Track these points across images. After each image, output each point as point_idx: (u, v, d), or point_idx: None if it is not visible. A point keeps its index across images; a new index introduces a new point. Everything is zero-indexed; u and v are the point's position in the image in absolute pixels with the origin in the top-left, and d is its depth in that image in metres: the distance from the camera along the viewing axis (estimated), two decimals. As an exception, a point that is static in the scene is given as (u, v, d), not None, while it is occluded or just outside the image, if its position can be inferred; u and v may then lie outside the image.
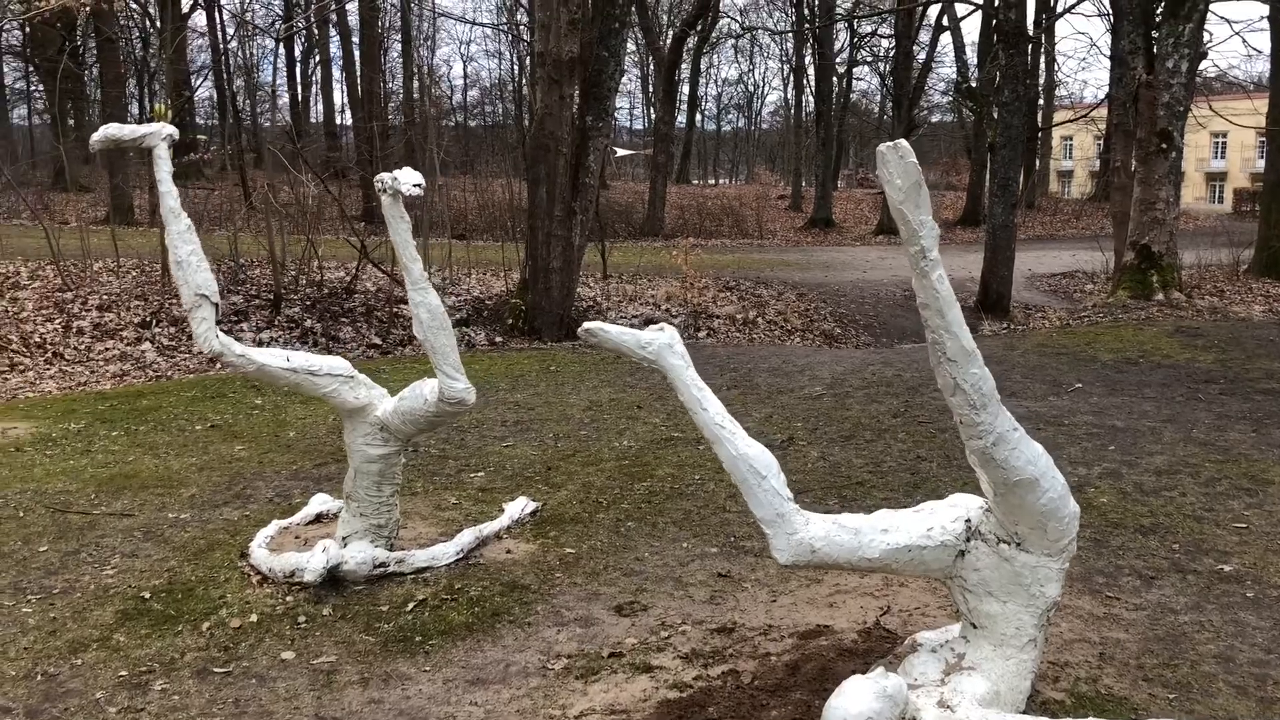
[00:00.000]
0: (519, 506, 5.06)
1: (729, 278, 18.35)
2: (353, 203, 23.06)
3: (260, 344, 11.39)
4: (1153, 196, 13.71)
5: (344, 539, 4.39)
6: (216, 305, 3.97)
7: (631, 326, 12.59)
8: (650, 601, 4.06)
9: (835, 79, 40.08)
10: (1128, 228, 14.45)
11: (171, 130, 3.94)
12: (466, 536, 4.58)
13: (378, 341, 11.92)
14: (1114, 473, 5.62)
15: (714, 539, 4.76)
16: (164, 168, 3.91)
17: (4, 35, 41.67)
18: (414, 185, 3.66)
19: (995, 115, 18.46)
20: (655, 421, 6.98)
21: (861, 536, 3.22)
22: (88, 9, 23.74)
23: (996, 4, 18.84)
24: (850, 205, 42.47)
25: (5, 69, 43.08)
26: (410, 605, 4.02)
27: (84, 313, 11.50)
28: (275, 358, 4.10)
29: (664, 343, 3.36)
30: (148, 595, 4.15)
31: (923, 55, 40.25)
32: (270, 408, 7.59)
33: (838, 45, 42.84)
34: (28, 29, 35.96)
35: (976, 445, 2.89)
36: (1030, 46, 16.64)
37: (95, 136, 3.86)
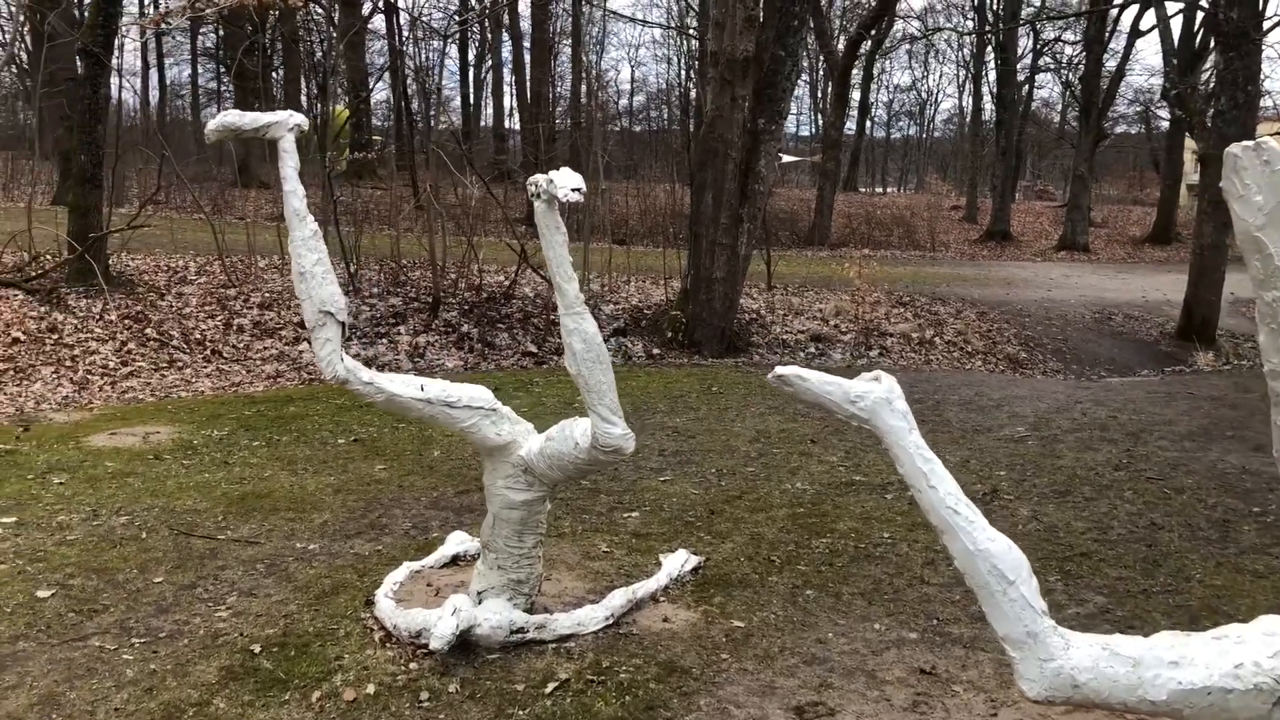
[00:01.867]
0: (678, 561, 4.39)
1: (902, 292, 17.29)
2: (516, 205, 22.95)
3: (416, 348, 11.11)
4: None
5: (479, 594, 3.80)
6: (343, 325, 3.43)
7: (798, 343, 11.75)
8: (839, 703, 3.31)
9: (1016, 86, 38.12)
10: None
11: (300, 120, 3.42)
12: (618, 599, 3.93)
13: (533, 349, 11.48)
14: None
15: (912, 619, 3.97)
16: (289, 163, 3.39)
17: (199, 37, 43.79)
18: (572, 189, 3.03)
19: (1209, 124, 16.81)
20: (832, 460, 6.19)
21: (1142, 670, 2.40)
22: (275, 11, 24.41)
23: (1213, 2, 17.16)
24: (1029, 218, 40.30)
25: (200, 69, 45.28)
26: (550, 686, 3.39)
27: (245, 310, 11.46)
28: (408, 386, 3.54)
29: (880, 397, 2.61)
30: (258, 649, 3.64)
31: (1112, 62, 37.85)
32: (416, 420, 7.14)
33: (1019, 50, 40.77)
34: (221, 31, 37.60)
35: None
36: (1249, 50, 14.98)
37: (211, 125, 3.38)
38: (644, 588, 4.08)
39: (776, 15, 12.04)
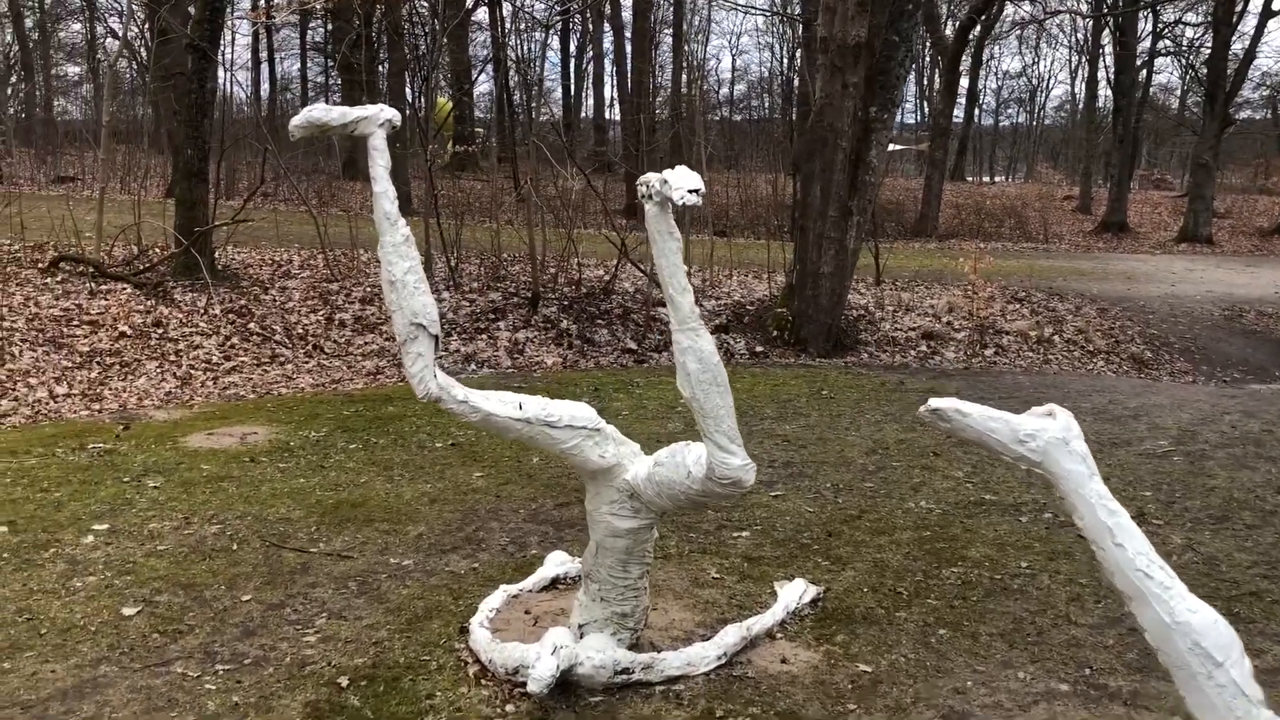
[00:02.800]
0: (796, 592, 4.02)
1: (1017, 287, 16.54)
2: (616, 197, 22.74)
3: (515, 344, 10.92)
4: None
5: (580, 628, 3.50)
6: (436, 338, 3.15)
7: (908, 341, 11.21)
8: (984, 771, 2.92)
9: (1135, 70, 36.46)
10: None
11: (392, 115, 3.15)
12: (731, 636, 3.60)
13: (633, 346, 11.19)
14: None
15: (1061, 668, 3.55)
16: (380, 161, 3.12)
17: (309, 32, 44.62)
18: (689, 191, 2.69)
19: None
20: (958, 475, 5.75)
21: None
22: (380, 5, 24.55)
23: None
24: (1146, 209, 38.58)
25: (309, 64, 46.15)
26: (658, 738, 3.07)
27: (347, 305, 11.42)
28: (505, 405, 3.24)
29: (1055, 437, 2.22)
30: (346, 682, 3.40)
31: (1239, 44, 35.90)
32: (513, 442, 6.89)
33: (1138, 33, 38.98)
34: (329, 26, 38.19)
35: None
36: None
37: (296, 121, 3.13)
38: (759, 623, 3.74)
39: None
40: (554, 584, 4.15)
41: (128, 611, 3.92)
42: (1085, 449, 2.24)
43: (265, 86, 45.20)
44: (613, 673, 3.32)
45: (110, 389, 8.46)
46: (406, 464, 5.93)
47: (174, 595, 4.08)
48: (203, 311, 10.57)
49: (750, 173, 27.26)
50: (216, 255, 12.69)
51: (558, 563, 4.24)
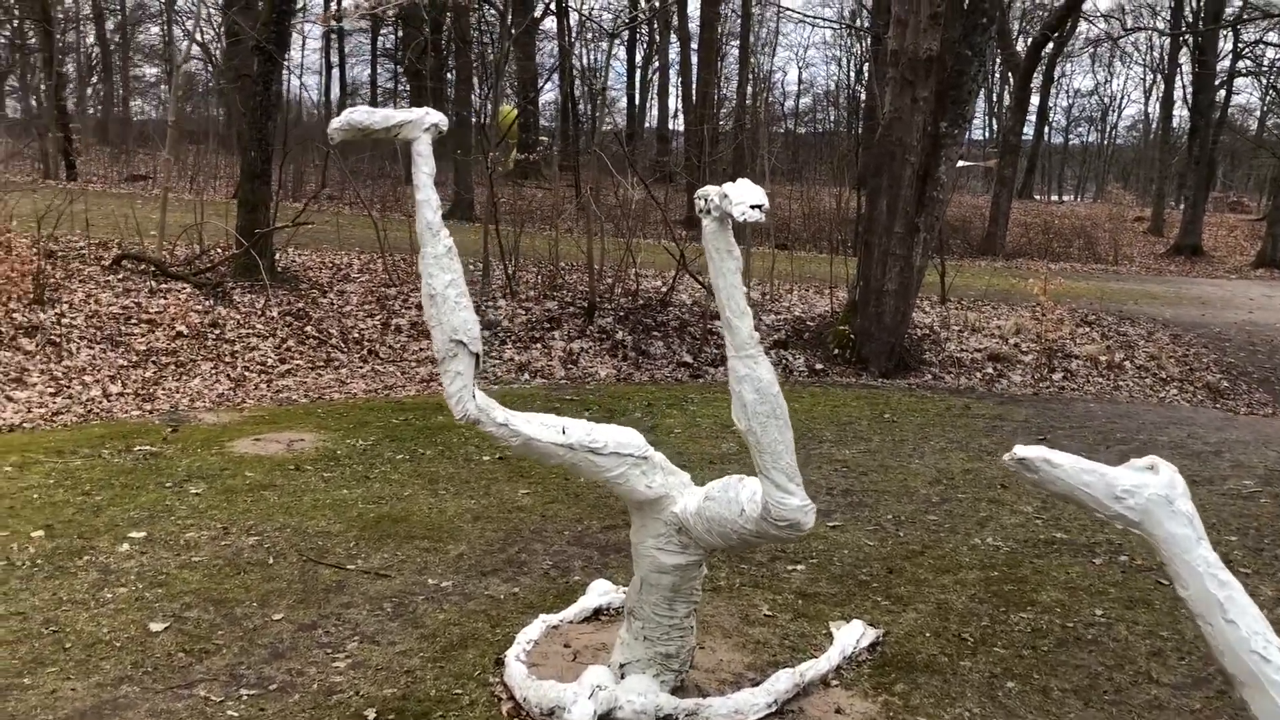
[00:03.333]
0: (853, 635, 3.78)
1: (1086, 309, 16.05)
2: (676, 208, 22.56)
3: (570, 354, 10.76)
4: None
5: (621, 667, 3.30)
6: (477, 356, 2.97)
7: (974, 363, 10.84)
8: None
9: (1213, 90, 35.49)
10: None
11: (438, 119, 2.97)
12: (783, 681, 3.36)
13: (688, 360, 10.97)
14: None
15: (1141, 733, 3.27)
16: (424, 169, 2.95)
17: (380, 38, 45.13)
18: (751, 206, 2.47)
19: None
20: (1026, 511, 5.44)
21: None
22: (449, 12, 24.65)
23: None
24: (1221, 232, 37.53)
25: (379, 69, 46.67)
26: (700, 794, 2.85)
27: (404, 310, 11.35)
28: (548, 430, 3.05)
29: (1157, 494, 1.97)
30: (373, 715, 3.23)
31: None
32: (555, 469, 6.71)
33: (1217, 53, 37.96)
34: (400, 32, 38.57)
35: None
36: None
37: (335, 124, 2.96)
38: (813, 668, 3.50)
39: (963, 12, 11.22)
40: (596, 615, 3.95)
41: (155, 627, 3.79)
42: (1192, 509, 1.98)
43: (335, 91, 45.80)
44: (654, 718, 3.11)
45: (164, 389, 8.44)
46: (452, 477, 5.77)
47: (204, 611, 3.95)
48: (260, 313, 10.56)
49: (814, 185, 26.94)
50: (277, 257, 12.72)
51: (600, 592, 4.04)
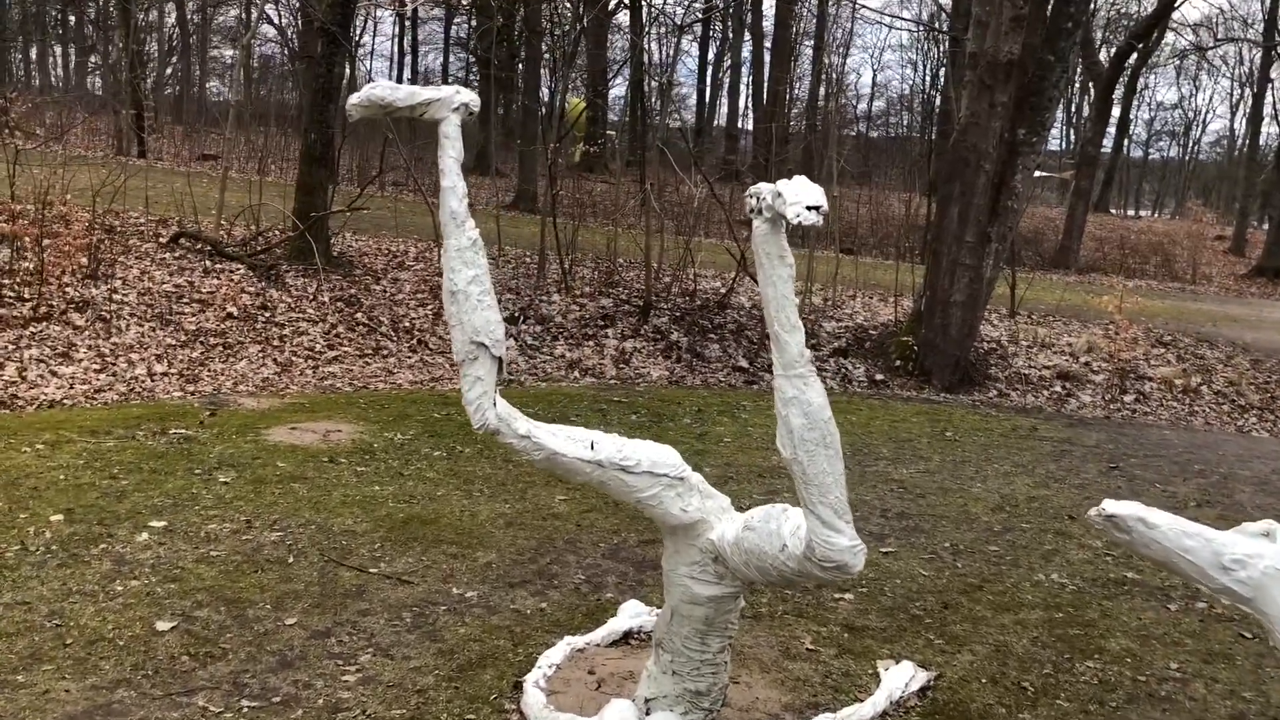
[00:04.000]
0: (903, 677, 3.47)
1: (1162, 329, 15.44)
2: (740, 208, 22.19)
3: (623, 353, 10.51)
4: None
5: (647, 702, 3.03)
6: (499, 361, 2.72)
7: (1041, 380, 10.39)
8: None
9: (1307, 106, 34.21)
10: None
11: (469, 98, 2.73)
12: (822, 729, 3.08)
13: (744, 365, 10.67)
14: None
15: (1222, 813, 2.93)
16: (450, 152, 2.70)
17: (453, 27, 45.31)
18: (808, 207, 2.19)
19: None
20: (1095, 545, 5.07)
21: None
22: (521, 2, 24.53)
23: None
24: (1305, 254, 36.22)
25: (451, 58, 46.87)
26: None
27: (455, 300, 11.17)
28: (574, 444, 2.79)
29: (1275, 567, 1.65)
30: (376, 738, 3.01)
31: None
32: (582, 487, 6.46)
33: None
34: (473, 21, 38.61)
35: None
36: None
37: (354, 99, 2.72)
38: (857, 714, 3.20)
39: (1047, 16, 10.76)
40: (626, 638, 3.69)
41: (162, 626, 3.61)
42: (1318, 588, 1.67)
43: (407, 77, 46.08)
44: (678, 763, 2.84)
45: (209, 370, 8.35)
46: (488, 479, 5.55)
47: (214, 611, 3.76)
48: (312, 298, 10.46)
49: (883, 190, 26.43)
50: (333, 242, 12.64)
51: (632, 614, 3.78)
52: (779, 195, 2.25)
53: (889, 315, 12.80)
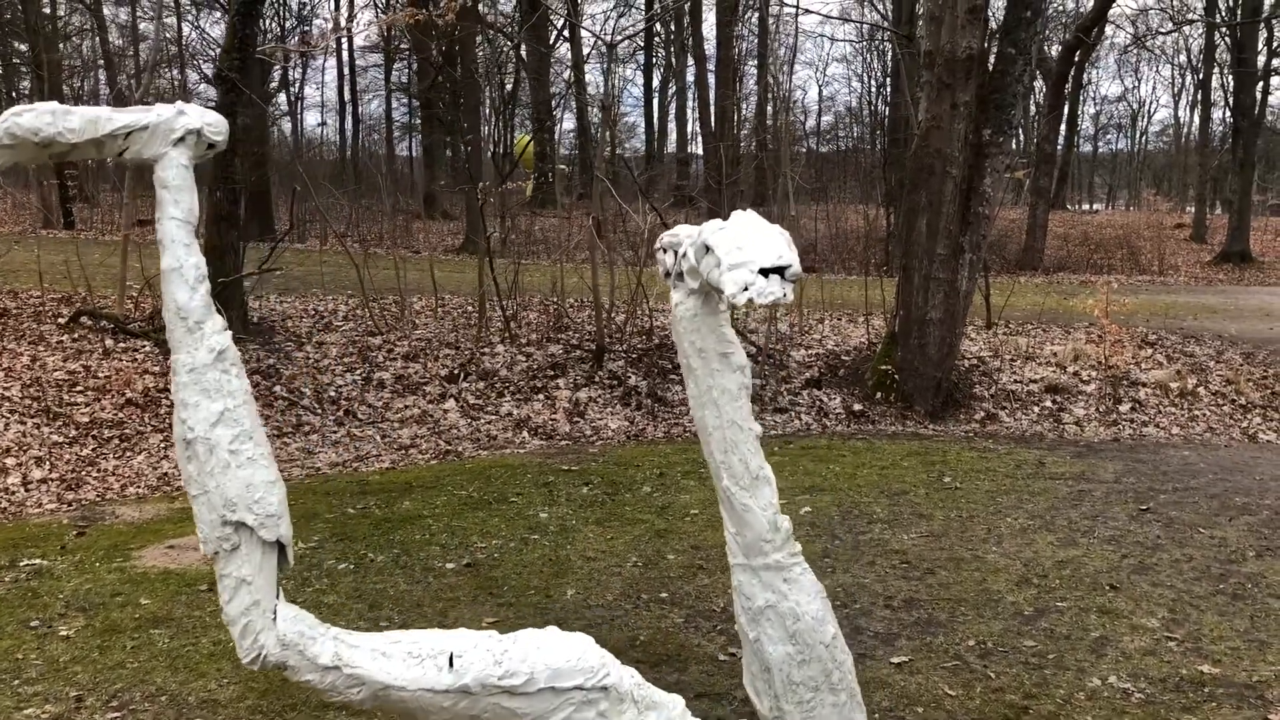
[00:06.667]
0: None
1: (1145, 328, 14.65)
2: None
3: (576, 405, 9.52)
4: None
5: None
6: (281, 549, 1.73)
7: (1030, 396, 9.38)
8: None
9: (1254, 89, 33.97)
10: None
11: (200, 121, 1.76)
12: None
13: (712, 408, 9.70)
14: None
15: None
16: (171, 210, 1.69)
17: (394, 73, 44.39)
18: (763, 270, 1.23)
19: None
20: (1152, 626, 4.11)
21: None
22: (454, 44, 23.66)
23: None
24: (1267, 236, 35.89)
25: (396, 104, 46.00)
26: None
27: (388, 362, 10.15)
28: (421, 665, 1.78)
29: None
30: None
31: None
32: (555, 530, 5.46)
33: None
34: (415, 66, 37.71)
35: None
36: None
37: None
38: None
39: (1004, 6, 10.00)
40: None
41: None
42: None
43: (349, 126, 45.17)
44: None
45: (98, 470, 7.27)
46: (401, 599, 4.52)
47: None
48: (225, 373, 9.39)
49: (840, 204, 25.73)
50: (255, 305, 11.59)
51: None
52: (706, 250, 1.29)
53: (861, 337, 11.90)
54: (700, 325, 1.41)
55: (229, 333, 1.75)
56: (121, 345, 9.76)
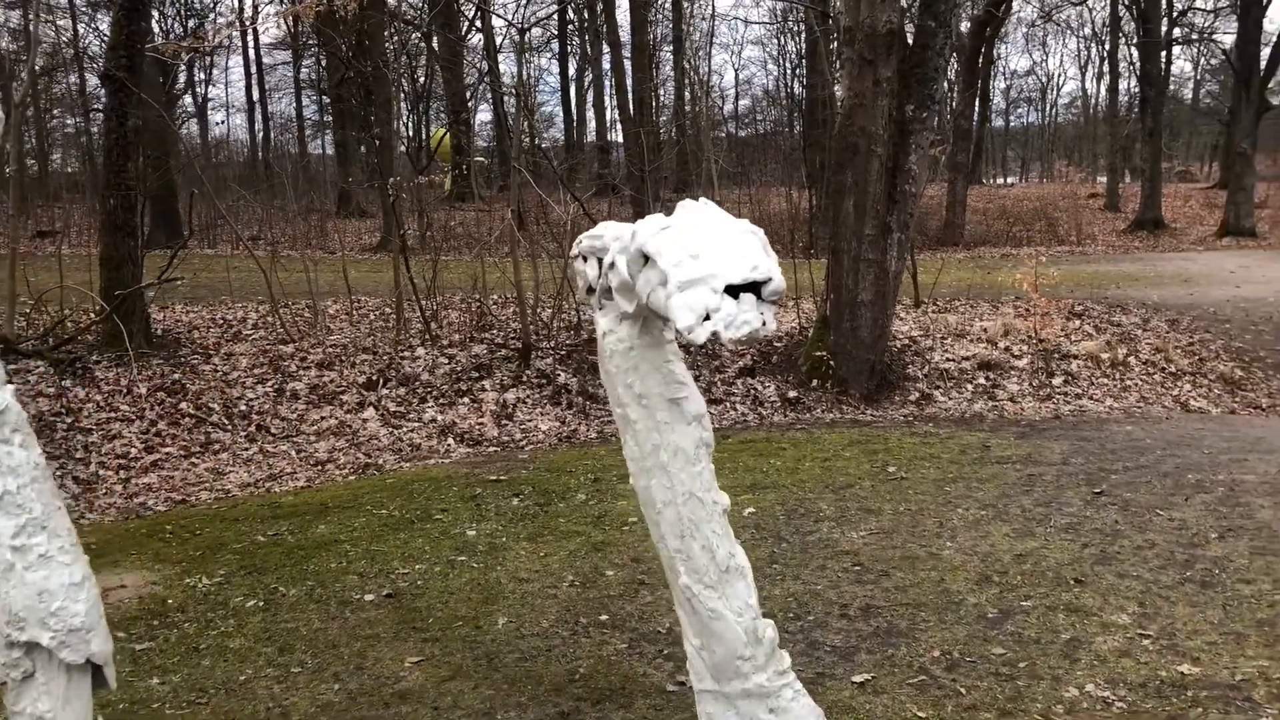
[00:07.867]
0: None
1: (1070, 299, 14.67)
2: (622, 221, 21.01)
3: (504, 407, 9.15)
4: None
5: None
6: (92, 669, 1.35)
7: (963, 374, 9.14)
8: None
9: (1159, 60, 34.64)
10: None
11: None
12: None
13: (644, 403, 9.37)
14: None
15: None
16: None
17: (303, 70, 43.26)
18: (729, 289, 0.89)
19: None
20: (1123, 621, 3.87)
21: None
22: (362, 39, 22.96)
23: None
24: (1177, 203, 36.65)
25: (305, 100, 44.85)
26: None
27: (301, 372, 9.63)
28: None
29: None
30: None
31: (1271, 25, 34.02)
32: (484, 550, 5.07)
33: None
34: (324, 61, 36.68)
35: None
36: None
37: None
38: None
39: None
40: None
41: None
42: None
43: (259, 126, 43.94)
44: None
45: (-16, 506, 6.69)
46: (314, 639, 4.10)
47: None
48: (125, 391, 8.82)
49: (763, 188, 25.58)
50: (159, 318, 10.97)
51: None
52: (645, 261, 0.93)
53: (793, 322, 11.66)
54: (639, 362, 1.05)
55: (9, 388, 1.37)
56: (13, 367, 9.10)
